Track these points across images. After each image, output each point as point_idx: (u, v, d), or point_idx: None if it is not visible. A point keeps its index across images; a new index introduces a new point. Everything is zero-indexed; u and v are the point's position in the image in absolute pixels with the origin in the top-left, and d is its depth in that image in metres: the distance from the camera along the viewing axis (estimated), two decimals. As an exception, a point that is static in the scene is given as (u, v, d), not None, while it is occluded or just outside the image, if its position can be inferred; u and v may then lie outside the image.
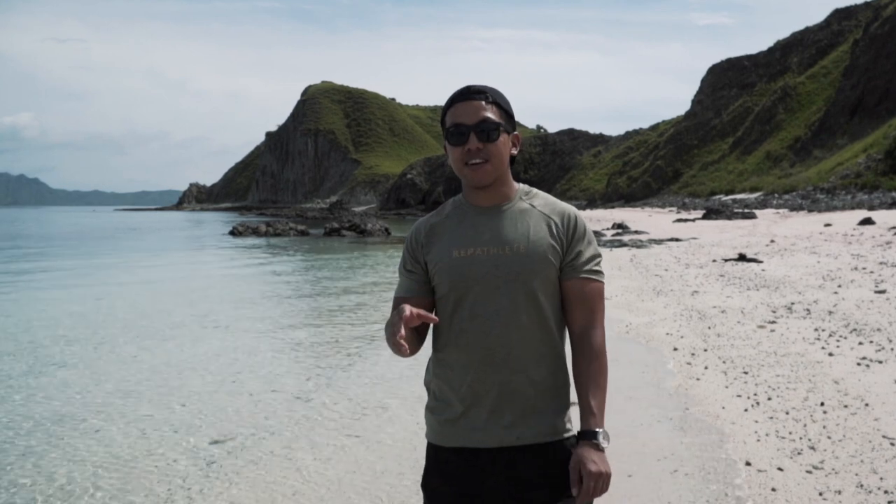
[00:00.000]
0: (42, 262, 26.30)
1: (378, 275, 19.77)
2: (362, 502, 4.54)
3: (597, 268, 2.15)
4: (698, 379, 6.80)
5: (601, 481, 1.98)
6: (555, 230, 2.12)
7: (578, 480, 2.00)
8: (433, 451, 2.16)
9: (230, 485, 4.92)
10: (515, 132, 2.17)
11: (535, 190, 2.23)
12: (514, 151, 2.17)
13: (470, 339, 2.08)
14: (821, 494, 4.12)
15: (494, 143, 2.09)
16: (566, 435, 2.13)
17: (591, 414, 2.05)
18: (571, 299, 2.13)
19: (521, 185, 2.22)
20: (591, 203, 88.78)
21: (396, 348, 1.90)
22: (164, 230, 62.85)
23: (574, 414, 2.16)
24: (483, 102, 2.10)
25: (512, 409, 2.07)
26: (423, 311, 1.95)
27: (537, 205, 2.17)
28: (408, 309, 1.91)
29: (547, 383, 2.10)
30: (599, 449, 2.02)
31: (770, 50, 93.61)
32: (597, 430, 2.03)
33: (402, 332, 1.89)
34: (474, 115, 2.08)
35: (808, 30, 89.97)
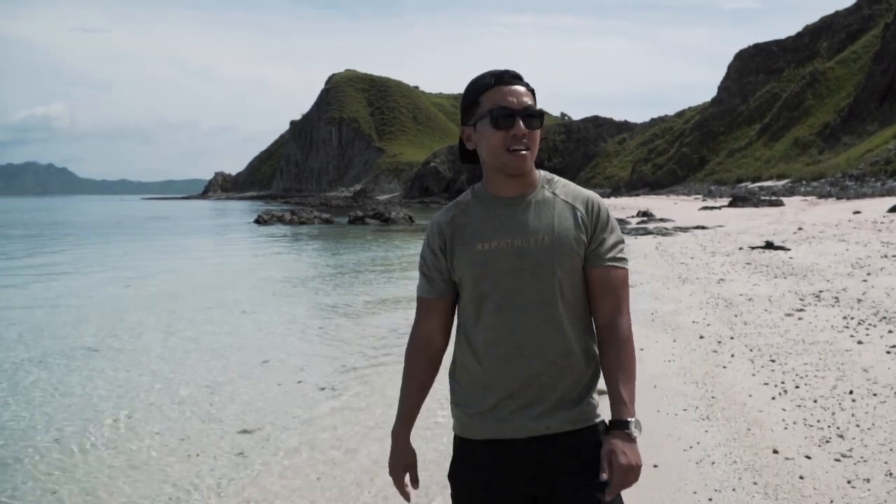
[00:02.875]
0: (74, 249, 26.64)
1: (402, 263, 19.82)
2: (389, 490, 4.57)
3: (620, 255, 2.11)
4: (725, 367, 6.76)
5: (631, 473, 1.96)
6: (579, 219, 2.09)
7: (609, 470, 1.97)
8: (461, 444, 2.17)
9: (258, 474, 4.99)
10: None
11: (556, 177, 2.18)
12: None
13: (498, 333, 2.06)
14: (849, 482, 4.09)
15: (535, 132, 2.07)
16: (596, 421, 2.12)
17: (621, 403, 2.01)
18: (596, 288, 2.10)
19: (543, 172, 2.18)
20: (616, 191, 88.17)
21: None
22: (192, 219, 63.40)
23: (603, 400, 2.17)
24: (525, 88, 2.07)
25: (542, 400, 2.06)
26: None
27: (560, 193, 2.13)
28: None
29: (576, 374, 2.09)
30: (631, 439, 1.98)
31: (798, 35, 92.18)
32: (628, 419, 1.99)
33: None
34: (520, 101, 2.04)
35: (837, 14, 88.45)
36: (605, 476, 1.96)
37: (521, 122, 2.02)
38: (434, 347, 2.23)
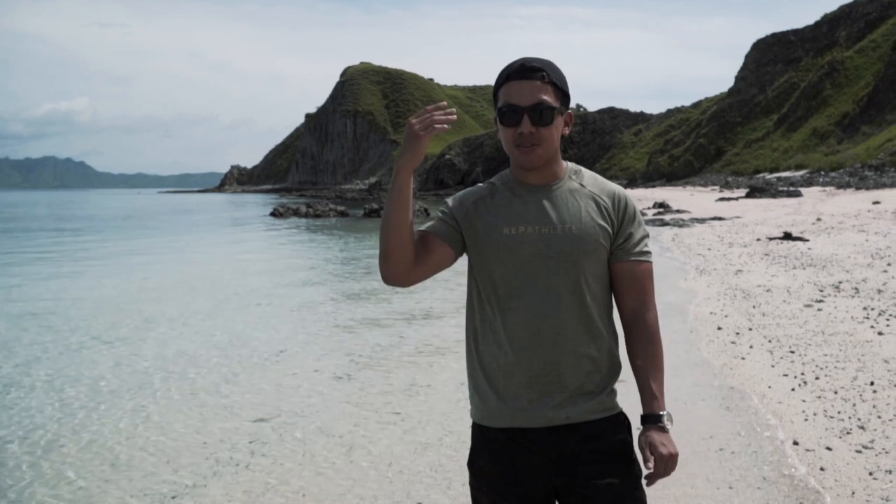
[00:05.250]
0: (94, 242, 26.85)
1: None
2: (405, 477, 4.57)
3: (646, 248, 2.13)
4: (743, 358, 6.71)
5: (671, 462, 2.02)
6: (605, 211, 2.09)
7: (649, 459, 2.03)
8: (480, 432, 2.14)
9: (275, 461, 4.99)
10: (569, 111, 2.10)
11: (583, 169, 2.18)
12: (566, 131, 2.11)
13: (518, 318, 2.05)
14: (871, 474, 4.05)
15: (548, 127, 2.02)
16: (615, 411, 2.12)
17: (653, 397, 2.07)
18: (623, 282, 2.11)
19: (570, 163, 2.17)
20: (632, 182, 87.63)
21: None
22: (209, 212, 63.72)
23: (621, 389, 2.16)
24: (539, 82, 2.00)
25: (561, 389, 2.05)
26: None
27: (587, 185, 2.13)
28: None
29: (596, 364, 2.08)
30: (665, 431, 2.04)
31: (817, 24, 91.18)
32: (661, 413, 2.06)
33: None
34: (530, 97, 1.99)
35: (856, 2, 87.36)
36: (651, 466, 2.01)
37: (527, 120, 2.00)
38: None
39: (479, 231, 2.09)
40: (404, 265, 2.02)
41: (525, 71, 2.02)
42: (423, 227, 2.13)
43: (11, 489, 4.74)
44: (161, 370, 7.59)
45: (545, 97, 2.00)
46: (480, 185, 2.19)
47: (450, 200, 2.18)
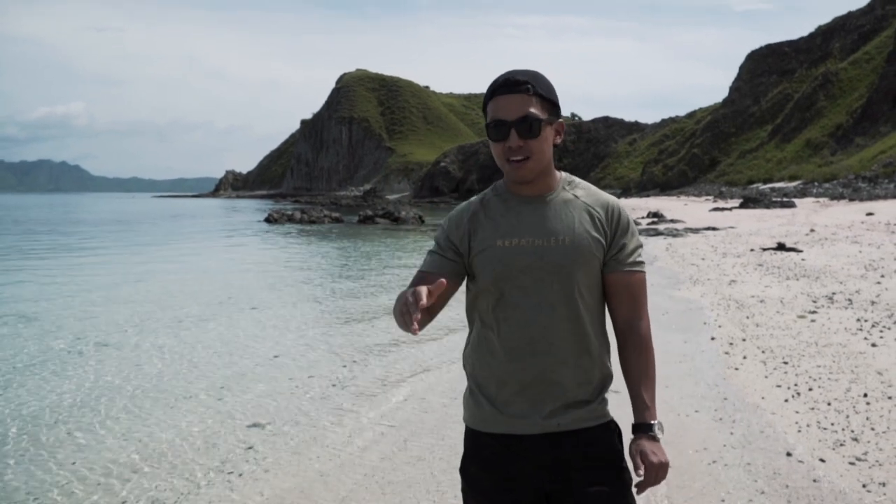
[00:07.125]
0: (87, 247, 26.76)
1: (412, 260, 19.81)
2: (398, 488, 4.56)
3: (639, 259, 2.15)
4: (737, 369, 6.72)
5: (661, 471, 2.04)
6: (598, 222, 2.11)
7: (640, 468, 2.04)
8: (473, 437, 2.16)
9: (268, 469, 4.98)
10: (560, 120, 2.11)
11: (577, 179, 2.20)
12: (558, 140, 2.12)
13: (513, 329, 2.07)
14: (864, 486, 4.05)
15: (536, 139, 2.03)
16: (607, 419, 2.14)
17: (645, 406, 2.08)
18: (616, 292, 2.13)
19: (563, 173, 2.19)
20: (626, 192, 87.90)
21: (406, 327, 1.80)
22: (203, 217, 63.63)
23: (613, 398, 2.16)
24: (525, 95, 2.01)
25: (553, 399, 2.07)
26: (432, 288, 1.83)
27: (580, 195, 2.15)
28: (424, 292, 1.79)
29: (589, 375, 2.10)
30: (656, 440, 2.06)
31: (811, 35, 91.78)
32: (652, 422, 2.07)
33: (418, 316, 1.78)
34: (516, 111, 2.00)
35: (850, 14, 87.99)
36: (641, 473, 2.03)
37: (514, 134, 2.01)
38: None
39: (475, 245, 2.12)
40: (425, 325, 2.00)
41: (510, 85, 2.03)
42: (424, 269, 2.14)
43: None
44: (154, 375, 7.57)
45: (532, 109, 2.01)
46: (472, 199, 2.21)
47: (445, 224, 2.18)
